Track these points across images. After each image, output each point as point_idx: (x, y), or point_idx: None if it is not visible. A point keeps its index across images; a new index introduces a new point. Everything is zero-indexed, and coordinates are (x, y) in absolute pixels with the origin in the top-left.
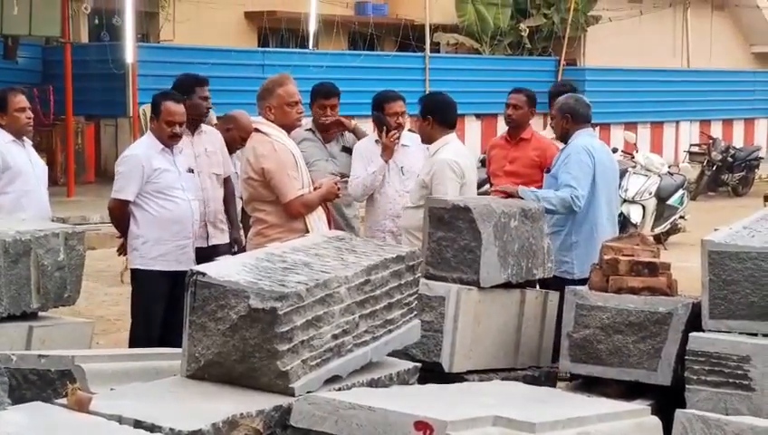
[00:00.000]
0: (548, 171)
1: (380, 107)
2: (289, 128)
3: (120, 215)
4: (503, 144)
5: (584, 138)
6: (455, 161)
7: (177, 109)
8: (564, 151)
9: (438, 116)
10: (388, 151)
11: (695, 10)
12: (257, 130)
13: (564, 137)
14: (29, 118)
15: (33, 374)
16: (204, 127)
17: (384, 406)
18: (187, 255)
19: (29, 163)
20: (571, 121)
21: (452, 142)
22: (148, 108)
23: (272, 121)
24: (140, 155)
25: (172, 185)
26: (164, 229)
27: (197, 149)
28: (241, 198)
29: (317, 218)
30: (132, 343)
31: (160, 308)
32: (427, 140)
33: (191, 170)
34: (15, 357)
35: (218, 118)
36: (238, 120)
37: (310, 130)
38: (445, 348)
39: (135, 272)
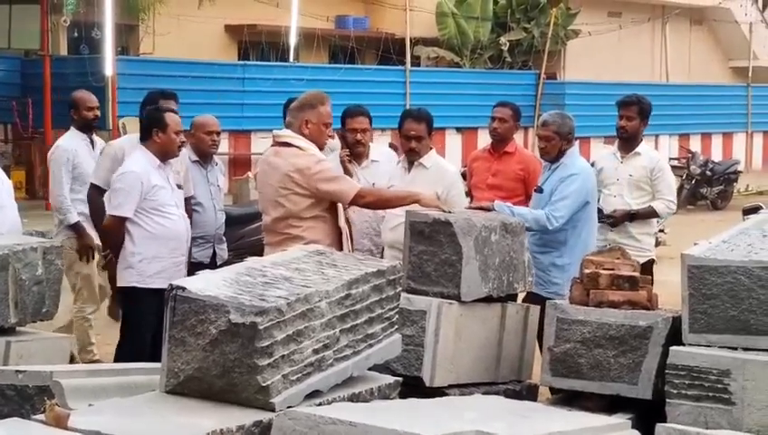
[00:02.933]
0: (537, 190)
1: (343, 122)
2: (320, 147)
3: (118, 232)
4: (486, 157)
5: (580, 158)
6: (457, 172)
7: (178, 118)
8: (565, 170)
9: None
10: (343, 169)
11: (673, 25)
12: (288, 145)
13: (558, 155)
14: None
15: (10, 390)
16: None
17: (365, 421)
18: (181, 272)
19: None
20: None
21: (435, 153)
22: (127, 120)
23: (304, 136)
24: (139, 172)
25: (167, 202)
26: (161, 246)
27: None
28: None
29: (345, 238)
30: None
31: (153, 326)
32: (422, 154)
33: (179, 186)
34: None
35: None
36: (195, 121)
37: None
38: (426, 362)
39: (129, 290)
